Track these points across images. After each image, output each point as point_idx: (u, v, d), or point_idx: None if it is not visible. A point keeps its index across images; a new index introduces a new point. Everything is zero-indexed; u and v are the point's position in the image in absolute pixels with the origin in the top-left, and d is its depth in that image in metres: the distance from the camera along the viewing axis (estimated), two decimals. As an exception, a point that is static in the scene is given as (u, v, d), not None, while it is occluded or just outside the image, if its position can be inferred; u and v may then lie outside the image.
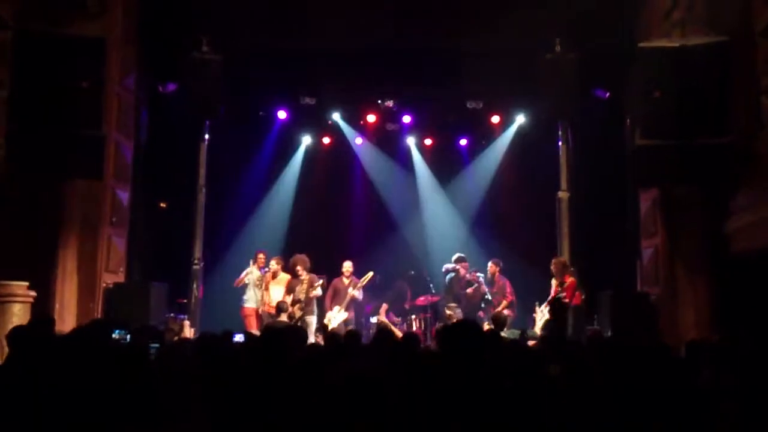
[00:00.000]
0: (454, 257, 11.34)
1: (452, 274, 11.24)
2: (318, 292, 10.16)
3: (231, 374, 4.03)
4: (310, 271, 10.29)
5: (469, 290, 10.99)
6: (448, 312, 10.54)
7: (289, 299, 10.06)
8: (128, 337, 6.33)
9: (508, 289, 10.94)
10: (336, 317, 10.39)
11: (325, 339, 6.90)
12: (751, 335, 6.96)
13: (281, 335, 4.83)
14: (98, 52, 8.55)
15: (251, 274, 10.77)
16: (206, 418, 3.52)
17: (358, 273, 11.01)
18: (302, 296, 10.00)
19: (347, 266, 10.91)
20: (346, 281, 10.79)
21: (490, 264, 11.09)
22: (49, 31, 8.45)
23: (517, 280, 11.07)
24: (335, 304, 10.59)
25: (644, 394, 3.33)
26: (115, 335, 6.39)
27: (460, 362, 3.23)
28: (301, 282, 10.09)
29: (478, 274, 11.09)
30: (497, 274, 11.02)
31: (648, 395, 3.31)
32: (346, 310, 10.56)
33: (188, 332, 9.39)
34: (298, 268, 10.18)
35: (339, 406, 3.37)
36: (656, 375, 3.61)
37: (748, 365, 4.13)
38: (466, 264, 11.24)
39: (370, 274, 10.79)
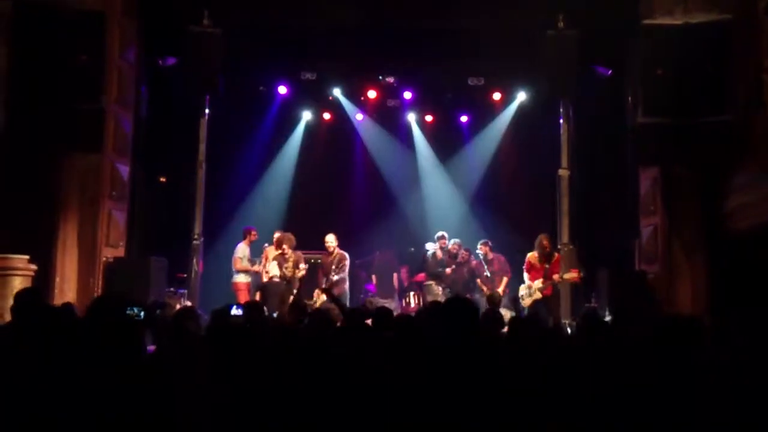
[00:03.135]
0: (436, 236, 11.37)
1: (429, 253, 11.25)
2: (302, 272, 10.17)
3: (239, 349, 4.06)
4: (296, 248, 10.36)
5: (448, 270, 10.98)
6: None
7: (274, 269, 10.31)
8: (142, 314, 6.29)
9: (507, 267, 10.99)
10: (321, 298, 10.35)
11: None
12: (747, 314, 6.99)
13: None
14: (98, 26, 8.51)
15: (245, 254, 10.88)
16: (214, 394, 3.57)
17: (358, 250, 11.00)
18: (288, 274, 10.05)
19: (329, 240, 10.63)
20: (327, 257, 10.65)
21: (479, 246, 11.08)
22: (48, 4, 8.40)
23: (515, 257, 11.09)
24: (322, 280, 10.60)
25: (640, 372, 3.35)
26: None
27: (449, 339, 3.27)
28: (287, 260, 10.14)
29: (478, 251, 11.09)
30: (489, 253, 11.02)
31: (643, 373, 3.34)
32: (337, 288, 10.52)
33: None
34: (284, 246, 10.19)
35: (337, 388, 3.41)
36: (653, 352, 3.63)
37: (742, 344, 4.16)
38: (444, 242, 11.21)
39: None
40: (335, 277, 10.34)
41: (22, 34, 8.14)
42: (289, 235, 10.33)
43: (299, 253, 10.32)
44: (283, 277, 10.06)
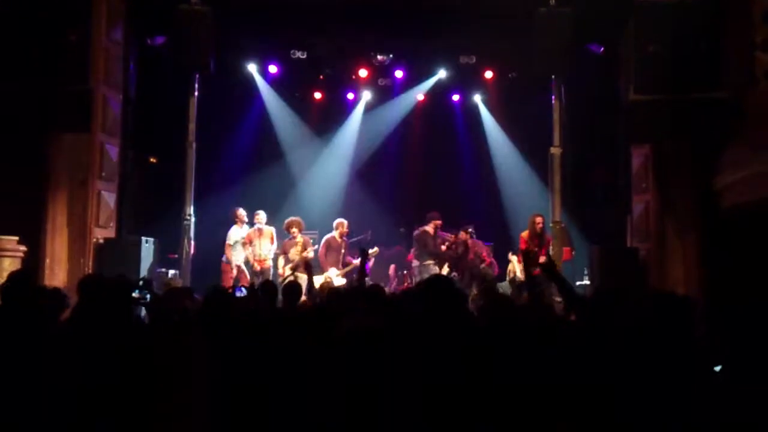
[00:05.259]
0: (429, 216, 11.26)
1: (422, 233, 11.15)
2: (311, 254, 10.27)
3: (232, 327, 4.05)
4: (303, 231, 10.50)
5: (443, 247, 10.91)
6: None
7: (282, 260, 10.37)
8: (148, 296, 6.21)
9: (484, 253, 10.86)
10: (335, 280, 10.40)
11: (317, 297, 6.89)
12: (740, 293, 7.02)
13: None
14: (85, 4, 8.41)
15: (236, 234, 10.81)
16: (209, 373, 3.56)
17: (352, 230, 10.98)
18: (297, 258, 10.15)
19: (344, 225, 10.71)
20: (339, 239, 10.72)
21: (460, 233, 10.92)
22: (34, -19, 8.27)
23: (507, 236, 11.09)
24: (329, 262, 10.57)
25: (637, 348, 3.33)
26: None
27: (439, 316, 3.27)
28: (296, 244, 10.23)
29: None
30: (469, 240, 10.84)
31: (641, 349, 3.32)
32: (345, 276, 10.54)
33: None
34: (294, 230, 10.33)
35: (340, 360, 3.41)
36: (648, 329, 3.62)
37: (737, 324, 4.16)
38: (438, 222, 10.97)
39: (377, 250, 10.76)
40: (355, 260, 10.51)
41: (8, 13, 8.03)
42: (299, 220, 10.45)
43: (307, 238, 10.44)
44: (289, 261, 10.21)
